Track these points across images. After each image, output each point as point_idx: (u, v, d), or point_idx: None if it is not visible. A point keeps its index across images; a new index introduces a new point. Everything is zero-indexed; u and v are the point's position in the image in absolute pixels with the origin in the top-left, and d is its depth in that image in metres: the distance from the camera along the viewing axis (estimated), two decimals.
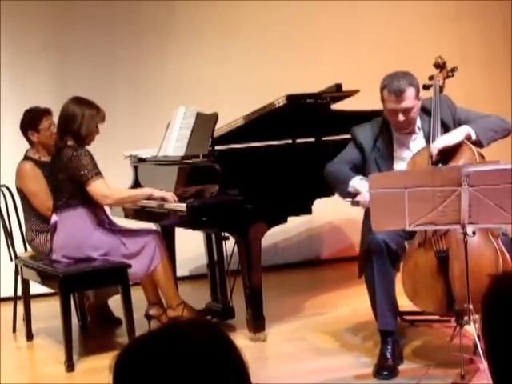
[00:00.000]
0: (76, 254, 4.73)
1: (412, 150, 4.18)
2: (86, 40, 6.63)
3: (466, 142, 4.01)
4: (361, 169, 4.23)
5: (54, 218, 4.81)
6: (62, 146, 4.78)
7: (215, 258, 5.36)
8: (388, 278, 3.98)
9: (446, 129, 4.12)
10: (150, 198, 4.88)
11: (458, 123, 4.14)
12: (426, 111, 4.16)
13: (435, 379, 3.76)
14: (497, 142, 4.18)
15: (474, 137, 4.02)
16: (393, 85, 4.02)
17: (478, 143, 4.04)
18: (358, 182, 4.08)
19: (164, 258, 4.87)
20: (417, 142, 4.21)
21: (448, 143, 3.98)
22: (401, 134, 4.20)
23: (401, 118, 4.07)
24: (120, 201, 4.98)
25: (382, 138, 4.24)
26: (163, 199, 4.82)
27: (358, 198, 4.03)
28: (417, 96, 4.08)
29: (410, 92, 4.03)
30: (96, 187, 4.70)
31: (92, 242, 4.74)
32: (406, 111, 4.06)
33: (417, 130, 4.21)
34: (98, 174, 4.72)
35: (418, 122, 4.20)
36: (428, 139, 4.12)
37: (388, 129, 4.24)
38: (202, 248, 5.52)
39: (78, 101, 4.83)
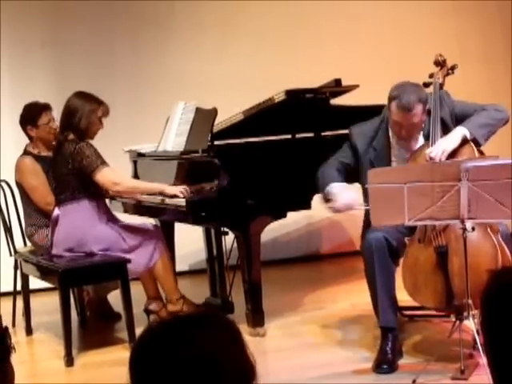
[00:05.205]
0: (77, 247, 4.73)
1: (412, 148, 4.17)
2: (86, 36, 6.61)
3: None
4: (352, 169, 4.24)
5: (57, 211, 4.80)
6: (63, 140, 4.78)
7: (214, 252, 5.36)
8: (389, 275, 3.99)
9: (444, 127, 4.11)
10: (161, 193, 4.79)
11: (455, 118, 4.14)
12: None
13: (434, 374, 3.76)
14: (497, 138, 4.18)
15: (469, 137, 4.01)
16: (402, 100, 3.96)
17: (476, 141, 4.04)
18: (333, 190, 4.08)
19: (164, 254, 4.87)
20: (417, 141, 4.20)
21: (446, 151, 3.97)
22: None
23: (403, 132, 4.07)
24: (130, 189, 4.93)
25: (380, 138, 4.22)
26: (175, 196, 4.72)
27: (329, 205, 4.07)
28: (424, 111, 4.03)
29: (418, 109, 3.98)
30: (105, 175, 4.69)
31: (94, 235, 4.73)
32: (411, 126, 4.04)
33: None
34: (104, 162, 4.71)
35: None
36: (427, 137, 4.11)
37: (386, 128, 4.22)
38: (201, 243, 5.52)
39: (80, 95, 4.84)
